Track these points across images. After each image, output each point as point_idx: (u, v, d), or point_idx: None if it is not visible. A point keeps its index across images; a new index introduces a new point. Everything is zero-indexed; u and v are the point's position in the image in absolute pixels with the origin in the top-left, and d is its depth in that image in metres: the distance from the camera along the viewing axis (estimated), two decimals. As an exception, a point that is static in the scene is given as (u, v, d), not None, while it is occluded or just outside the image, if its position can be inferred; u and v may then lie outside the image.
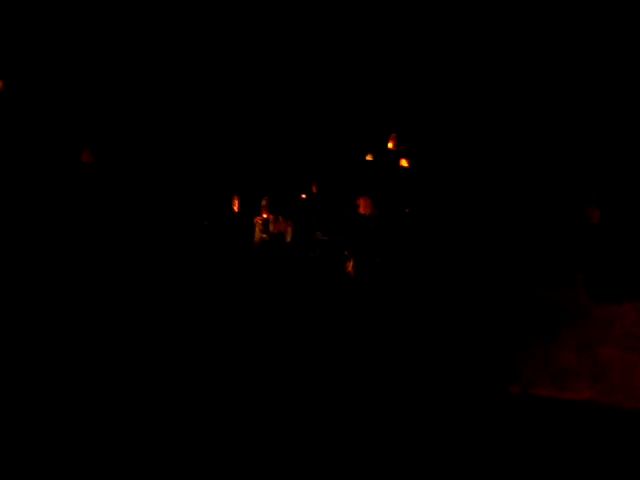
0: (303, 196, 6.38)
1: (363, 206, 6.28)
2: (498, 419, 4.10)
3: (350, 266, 5.93)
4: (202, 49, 6.39)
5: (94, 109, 6.08)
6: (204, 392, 4.27)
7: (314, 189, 6.42)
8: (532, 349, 4.92)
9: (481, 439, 3.79)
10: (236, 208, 6.10)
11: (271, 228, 5.96)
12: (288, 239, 6.05)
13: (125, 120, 6.15)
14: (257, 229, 5.97)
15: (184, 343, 4.98)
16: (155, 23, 6.12)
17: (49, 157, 5.80)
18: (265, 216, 6.01)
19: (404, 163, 6.67)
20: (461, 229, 5.99)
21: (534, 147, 6.14)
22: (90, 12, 6.10)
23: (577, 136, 6.11)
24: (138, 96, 6.21)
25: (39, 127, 5.84)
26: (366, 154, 6.68)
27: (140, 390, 4.07)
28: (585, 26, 6.15)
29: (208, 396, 4.22)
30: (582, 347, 4.82)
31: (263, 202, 6.09)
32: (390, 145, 6.72)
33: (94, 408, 3.63)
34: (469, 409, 4.26)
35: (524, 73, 6.27)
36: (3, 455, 3.01)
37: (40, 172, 5.74)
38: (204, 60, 6.32)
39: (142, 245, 5.55)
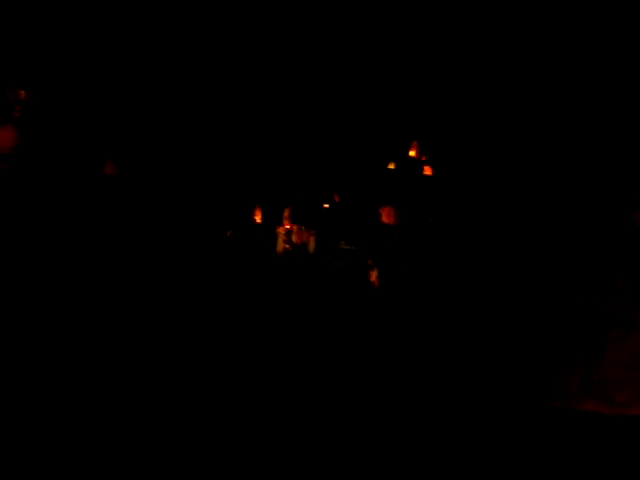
0: (326, 206, 6.34)
1: (386, 215, 6.22)
2: (539, 434, 3.92)
3: (374, 276, 5.87)
4: (224, 60, 6.41)
5: (114, 120, 6.11)
6: (223, 398, 4.21)
7: (336, 198, 6.39)
8: (575, 361, 4.68)
9: (521, 455, 3.64)
10: (258, 219, 6.09)
11: (294, 238, 5.94)
12: (311, 249, 6.02)
13: (146, 131, 6.17)
14: (280, 239, 5.95)
15: (205, 353, 4.94)
16: (173, 33, 6.15)
17: (72, 168, 5.85)
18: (288, 226, 5.99)
19: (427, 171, 6.61)
20: (491, 237, 5.89)
21: (573, 150, 5.99)
22: (104, 23, 6.15)
23: (620, 138, 5.96)
24: (158, 106, 6.23)
25: (63, 138, 5.89)
26: (388, 163, 6.63)
27: (155, 391, 4.04)
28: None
29: (226, 402, 4.16)
30: (631, 359, 4.56)
31: (285, 212, 6.07)
32: (412, 153, 6.66)
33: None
34: (508, 423, 4.10)
35: (554, 77, 6.17)
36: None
37: (64, 183, 5.79)
38: (224, 70, 6.34)
39: (166, 256, 5.55)
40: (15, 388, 3.61)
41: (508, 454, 3.62)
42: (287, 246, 5.93)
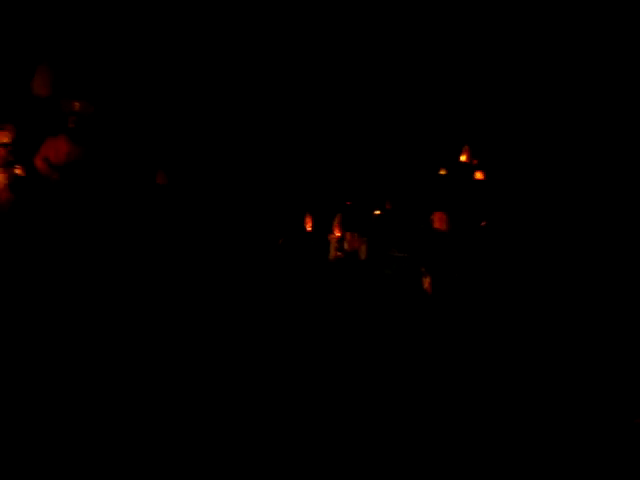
0: (377, 212, 6.27)
1: (438, 221, 6.13)
2: (622, 454, 3.73)
3: (427, 283, 5.78)
4: (270, 70, 6.41)
5: (165, 130, 6.15)
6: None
7: (388, 205, 6.31)
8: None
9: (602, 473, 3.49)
10: (309, 227, 6.04)
11: (346, 246, 5.87)
12: (363, 256, 5.95)
13: (196, 140, 6.20)
14: (331, 247, 5.89)
15: (257, 359, 4.91)
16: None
17: (124, 179, 5.90)
18: (339, 234, 5.93)
19: (479, 176, 6.49)
20: (546, 242, 5.76)
21: (630, 149, 5.84)
22: (155, 36, 6.20)
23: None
24: (207, 117, 6.25)
25: (115, 148, 5.95)
26: (440, 168, 6.54)
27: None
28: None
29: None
30: None
31: (336, 219, 6.01)
32: (463, 158, 6.55)
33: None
34: (587, 441, 3.92)
35: (610, 77, 6.04)
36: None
37: (116, 193, 5.84)
38: (274, 80, 6.33)
39: (218, 264, 5.55)
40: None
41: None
42: (339, 253, 5.87)
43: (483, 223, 6.18)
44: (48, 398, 3.53)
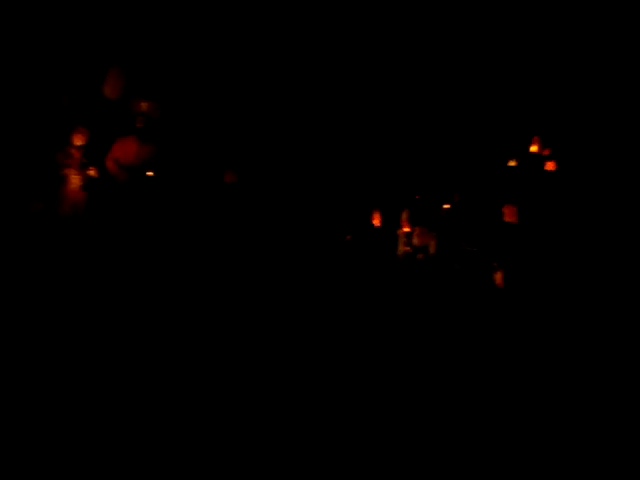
0: (446, 206, 6.16)
1: (509, 214, 5.97)
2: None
3: (499, 278, 5.64)
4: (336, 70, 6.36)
5: (234, 129, 6.19)
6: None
7: (457, 198, 6.19)
8: None
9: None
10: (377, 222, 5.98)
11: (415, 241, 5.78)
12: (432, 251, 5.85)
13: (264, 139, 6.21)
14: (400, 242, 5.82)
15: (329, 360, 4.88)
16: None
17: (193, 177, 5.96)
18: (407, 229, 5.85)
19: (550, 166, 6.30)
20: (619, 235, 5.55)
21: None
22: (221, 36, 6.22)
23: None
24: (277, 116, 6.26)
25: (185, 147, 6.02)
26: (509, 159, 6.37)
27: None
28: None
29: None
30: None
31: (404, 214, 5.93)
32: (534, 148, 6.37)
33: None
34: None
35: None
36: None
37: (185, 191, 5.91)
38: (340, 79, 6.29)
39: (288, 260, 5.55)
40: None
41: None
42: (407, 249, 5.79)
43: (555, 215, 6.00)
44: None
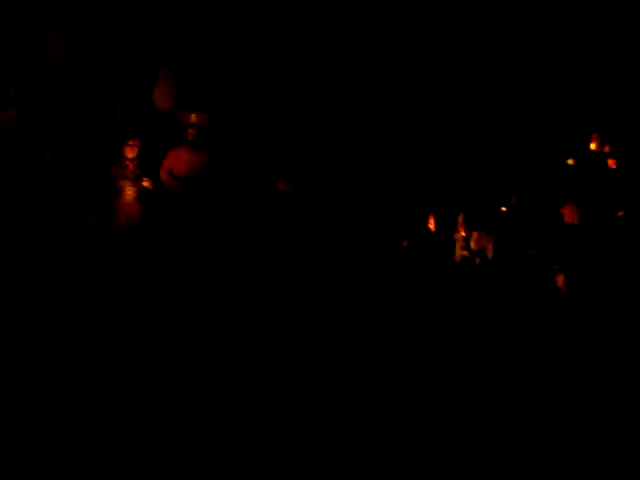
0: (503, 209, 6.02)
1: (569, 214, 5.80)
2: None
3: (561, 281, 5.47)
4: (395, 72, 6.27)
5: (286, 137, 6.17)
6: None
7: (514, 200, 6.04)
8: None
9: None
10: (433, 226, 5.89)
11: (472, 244, 5.66)
12: (490, 255, 5.72)
13: (317, 146, 6.18)
14: (457, 247, 5.70)
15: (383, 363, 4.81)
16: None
17: (245, 187, 5.97)
18: (464, 233, 5.73)
19: (611, 164, 6.10)
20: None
21: None
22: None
23: None
24: (328, 120, 6.22)
25: (236, 158, 6.04)
26: (567, 158, 6.19)
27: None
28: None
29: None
30: None
31: (460, 218, 5.81)
32: (593, 146, 6.18)
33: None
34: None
35: None
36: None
37: (237, 201, 5.92)
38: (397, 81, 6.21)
39: (345, 269, 5.50)
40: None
41: None
42: (465, 252, 5.67)
43: (620, 213, 5.79)
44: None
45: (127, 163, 5.96)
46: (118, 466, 3.04)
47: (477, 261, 5.70)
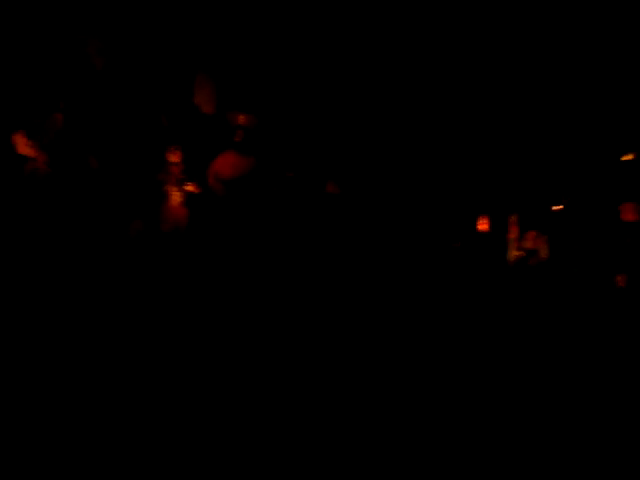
0: (557, 207, 5.85)
1: (627, 212, 5.60)
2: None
3: (622, 280, 5.30)
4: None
5: (328, 139, 6.10)
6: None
7: (568, 198, 5.87)
8: None
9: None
10: (485, 227, 5.75)
11: (526, 245, 5.52)
12: (544, 255, 5.56)
13: (364, 147, 6.09)
14: (510, 247, 5.56)
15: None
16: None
17: (293, 191, 5.91)
18: (517, 233, 5.59)
19: (669, 159, 5.89)
20: None
21: None
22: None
23: None
24: (375, 121, 6.12)
25: (281, 161, 5.98)
26: (624, 153, 6.00)
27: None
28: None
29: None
30: None
31: (512, 218, 5.66)
32: (650, 141, 5.98)
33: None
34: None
35: None
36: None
37: (283, 205, 5.87)
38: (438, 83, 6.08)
39: (398, 271, 5.41)
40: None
41: None
42: (519, 253, 5.52)
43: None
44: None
45: (173, 168, 5.94)
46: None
47: (531, 262, 5.55)
